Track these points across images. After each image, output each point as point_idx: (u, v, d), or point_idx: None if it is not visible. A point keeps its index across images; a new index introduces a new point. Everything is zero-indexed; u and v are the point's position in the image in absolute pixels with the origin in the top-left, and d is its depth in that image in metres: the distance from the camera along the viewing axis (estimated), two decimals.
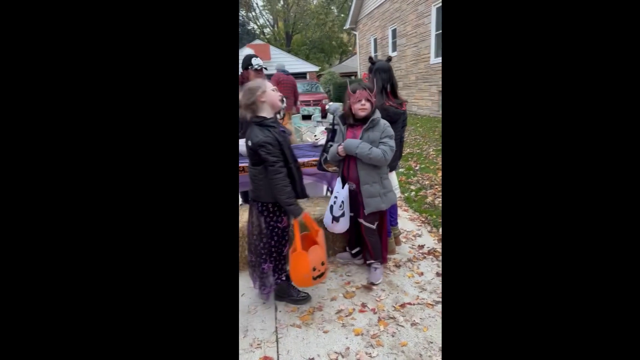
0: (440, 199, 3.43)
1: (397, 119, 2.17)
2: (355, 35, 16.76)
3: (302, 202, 1.88)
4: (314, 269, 1.80)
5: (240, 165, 2.26)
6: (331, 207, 2.08)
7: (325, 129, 2.80)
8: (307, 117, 7.77)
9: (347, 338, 1.73)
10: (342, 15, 24.23)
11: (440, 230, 2.81)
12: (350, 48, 26.52)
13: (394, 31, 11.68)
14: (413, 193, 3.74)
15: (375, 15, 13.12)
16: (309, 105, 9.66)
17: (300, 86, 10.52)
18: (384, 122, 1.98)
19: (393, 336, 1.73)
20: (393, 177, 2.33)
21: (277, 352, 1.67)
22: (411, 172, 4.53)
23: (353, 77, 15.86)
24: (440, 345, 1.65)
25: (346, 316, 1.89)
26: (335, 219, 2.07)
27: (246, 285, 2.12)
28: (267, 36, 26.83)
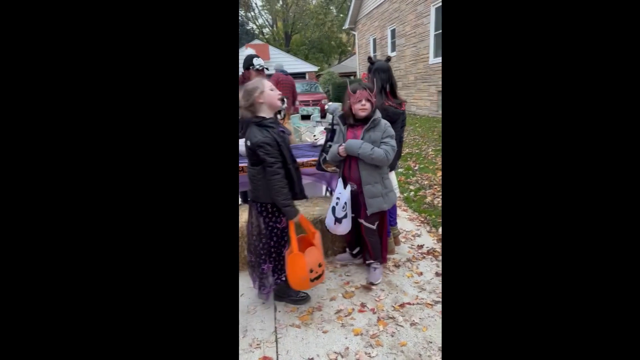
0: (439, 199, 3.43)
1: (397, 119, 2.17)
2: (354, 35, 16.77)
3: (301, 203, 1.87)
4: (311, 271, 1.79)
5: (240, 165, 2.26)
6: (333, 208, 2.05)
7: (325, 129, 2.79)
8: (306, 117, 7.76)
9: (346, 338, 1.73)
10: (341, 15, 24.24)
11: (440, 230, 2.81)
12: (350, 48, 26.56)
13: (393, 31, 11.69)
14: (412, 193, 3.75)
15: (374, 15, 13.13)
16: (308, 105, 9.64)
17: (300, 86, 10.53)
18: (385, 122, 1.97)
19: (392, 336, 1.73)
20: (392, 177, 2.33)
21: (277, 352, 1.67)
22: (410, 172, 4.53)
23: (352, 77, 15.85)
24: (440, 345, 1.65)
25: (345, 316, 1.89)
26: (338, 221, 2.05)
27: (246, 285, 2.12)
28: (266, 36, 26.80)
